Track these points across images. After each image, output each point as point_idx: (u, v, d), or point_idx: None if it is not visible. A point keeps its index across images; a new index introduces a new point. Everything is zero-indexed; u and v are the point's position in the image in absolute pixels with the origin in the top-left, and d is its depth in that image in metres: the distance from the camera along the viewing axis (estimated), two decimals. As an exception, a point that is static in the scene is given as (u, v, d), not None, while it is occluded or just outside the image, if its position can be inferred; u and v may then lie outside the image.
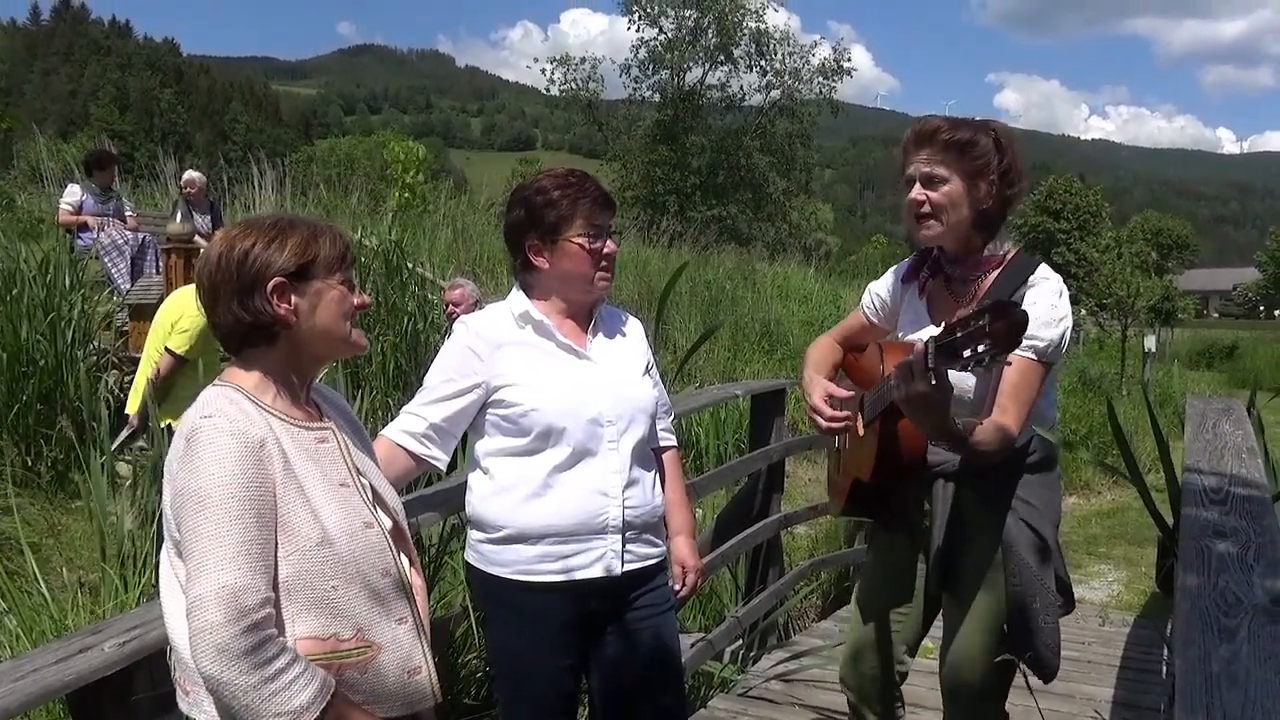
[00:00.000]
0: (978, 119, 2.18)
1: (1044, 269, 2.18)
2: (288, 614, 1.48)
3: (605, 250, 2.17)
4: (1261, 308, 59.85)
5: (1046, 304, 2.11)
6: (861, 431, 2.23)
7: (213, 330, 1.62)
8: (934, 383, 1.82)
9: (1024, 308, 1.69)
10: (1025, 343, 2.06)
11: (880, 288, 2.46)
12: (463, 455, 2.42)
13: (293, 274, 1.56)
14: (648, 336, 2.41)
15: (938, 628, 2.51)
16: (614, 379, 2.18)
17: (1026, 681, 2.29)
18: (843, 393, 2.24)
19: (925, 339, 1.82)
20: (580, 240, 2.14)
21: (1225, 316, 62.38)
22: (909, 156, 2.17)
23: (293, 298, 1.56)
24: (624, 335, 2.31)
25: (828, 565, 5.51)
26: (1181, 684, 1.50)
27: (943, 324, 1.93)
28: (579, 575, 2.10)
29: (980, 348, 1.69)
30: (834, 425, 2.25)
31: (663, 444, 2.37)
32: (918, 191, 2.15)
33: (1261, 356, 26.89)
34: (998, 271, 2.19)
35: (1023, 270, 2.16)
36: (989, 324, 1.68)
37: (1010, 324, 1.66)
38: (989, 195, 2.13)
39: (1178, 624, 1.79)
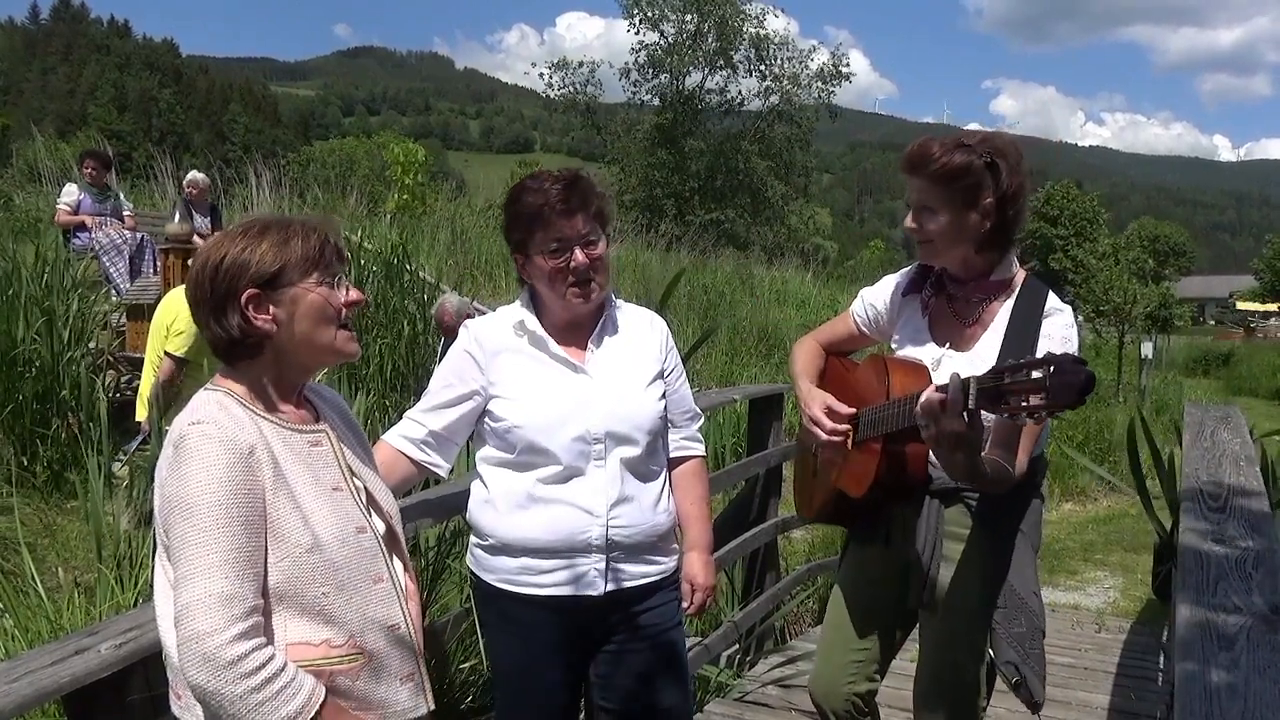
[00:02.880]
0: (977, 136, 2.08)
1: (1054, 299, 2.14)
2: (278, 620, 1.47)
3: (572, 264, 2.02)
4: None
5: (1061, 339, 2.07)
6: (851, 446, 2.19)
7: (207, 343, 1.59)
8: (970, 423, 1.75)
9: (1092, 372, 1.58)
10: None
11: (875, 298, 2.39)
12: (466, 459, 2.39)
13: (265, 283, 1.51)
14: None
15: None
16: (607, 394, 2.07)
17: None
18: (844, 409, 2.19)
19: (963, 377, 1.72)
20: (540, 258, 2.03)
21: (1221, 324, 62.38)
22: (908, 179, 2.11)
23: (270, 308, 1.52)
24: (636, 341, 2.17)
25: (824, 570, 5.50)
26: (1180, 693, 1.49)
27: (969, 360, 1.87)
28: (558, 592, 2.05)
29: (1035, 400, 1.59)
30: (834, 439, 2.19)
31: (683, 454, 2.26)
32: (910, 220, 2.12)
33: (1258, 364, 26.93)
34: (1010, 299, 2.14)
35: (1037, 300, 2.12)
36: (1051, 378, 1.56)
37: (1081, 385, 1.55)
38: (984, 221, 2.06)
39: (1176, 632, 1.78)
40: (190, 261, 1.60)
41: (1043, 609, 2.22)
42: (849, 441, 2.19)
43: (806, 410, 2.26)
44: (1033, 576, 2.19)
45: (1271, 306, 54.93)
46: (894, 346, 2.34)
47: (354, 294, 1.61)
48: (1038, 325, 2.09)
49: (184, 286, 1.57)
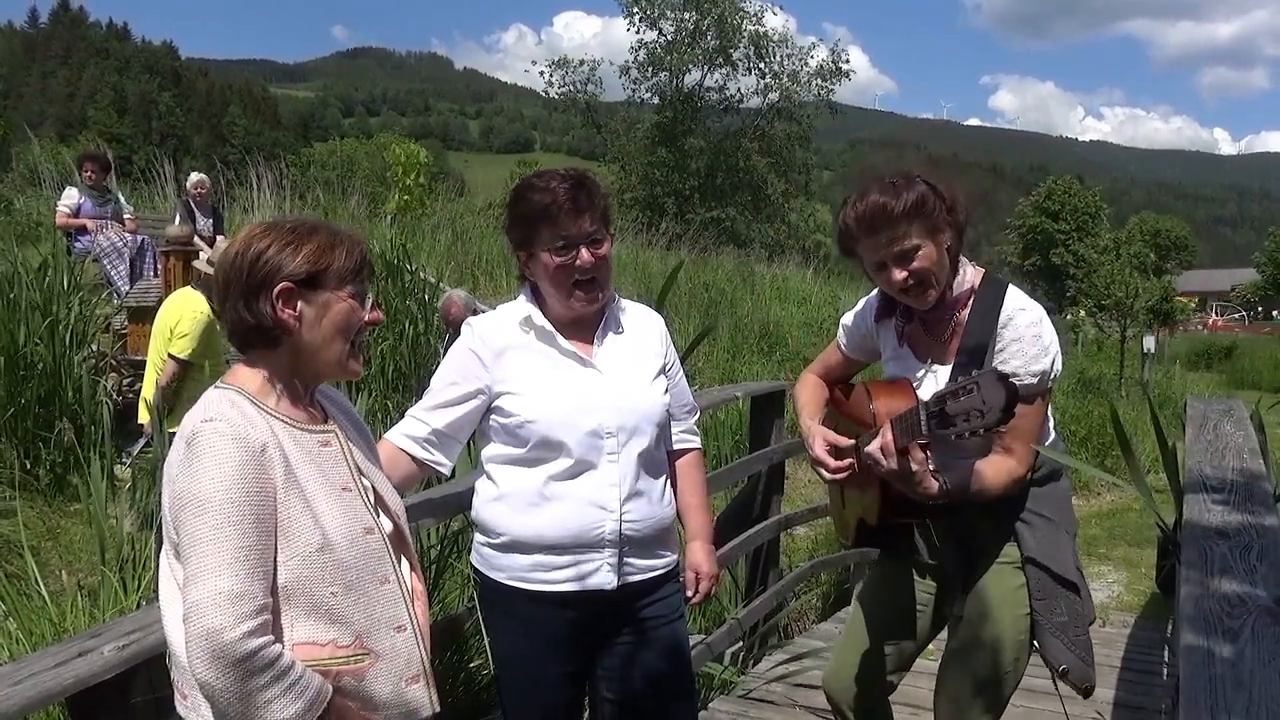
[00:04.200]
0: (901, 176, 2.08)
1: (1014, 296, 2.13)
2: (286, 619, 1.47)
3: (578, 263, 2.03)
4: (1259, 308, 59.81)
5: (1031, 337, 2.08)
6: (860, 472, 2.20)
7: (220, 324, 1.62)
8: (904, 459, 1.89)
9: (1011, 379, 1.73)
10: (1020, 386, 2.05)
11: (855, 324, 2.43)
12: (468, 457, 2.40)
13: (302, 280, 1.54)
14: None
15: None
16: (618, 388, 2.09)
17: (1056, 684, 2.27)
18: (844, 441, 2.21)
19: (916, 406, 1.89)
20: (546, 256, 2.04)
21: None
22: (868, 243, 2.07)
23: (299, 304, 1.55)
24: (638, 336, 2.20)
25: (827, 567, 5.51)
26: (1185, 686, 1.49)
27: (926, 382, 2.02)
28: (572, 587, 2.06)
29: (976, 421, 1.71)
30: (838, 477, 2.21)
31: (682, 446, 2.30)
32: (899, 274, 2.07)
33: (1260, 357, 26.87)
34: (969, 305, 2.15)
35: (993, 303, 2.12)
36: (982, 397, 1.69)
37: (1006, 399, 1.69)
38: (950, 238, 2.10)
39: (1181, 625, 1.78)
40: (222, 248, 1.63)
41: (1088, 592, 2.22)
42: (856, 469, 2.20)
43: (810, 450, 2.28)
44: (1070, 561, 2.19)
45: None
46: (885, 368, 2.37)
47: (376, 314, 1.64)
48: (990, 329, 2.10)
49: (215, 271, 1.61)
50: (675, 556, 2.22)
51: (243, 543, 1.41)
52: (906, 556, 2.36)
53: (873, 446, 1.94)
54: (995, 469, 2.09)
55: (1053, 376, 2.11)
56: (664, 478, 2.20)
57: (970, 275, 2.18)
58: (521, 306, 2.15)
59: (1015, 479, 2.10)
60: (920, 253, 2.05)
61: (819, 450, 2.22)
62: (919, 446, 1.95)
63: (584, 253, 2.03)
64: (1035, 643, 2.20)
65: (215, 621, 1.36)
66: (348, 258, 1.59)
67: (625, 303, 2.25)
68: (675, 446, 2.29)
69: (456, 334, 5.61)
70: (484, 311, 6.47)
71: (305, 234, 1.57)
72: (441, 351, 6.50)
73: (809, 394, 2.49)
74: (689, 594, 2.26)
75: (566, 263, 2.03)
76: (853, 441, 2.19)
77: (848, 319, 2.46)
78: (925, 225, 2.05)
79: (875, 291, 2.34)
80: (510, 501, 2.08)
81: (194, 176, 9.41)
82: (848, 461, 2.18)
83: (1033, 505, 2.20)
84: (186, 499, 1.42)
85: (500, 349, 2.10)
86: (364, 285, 1.62)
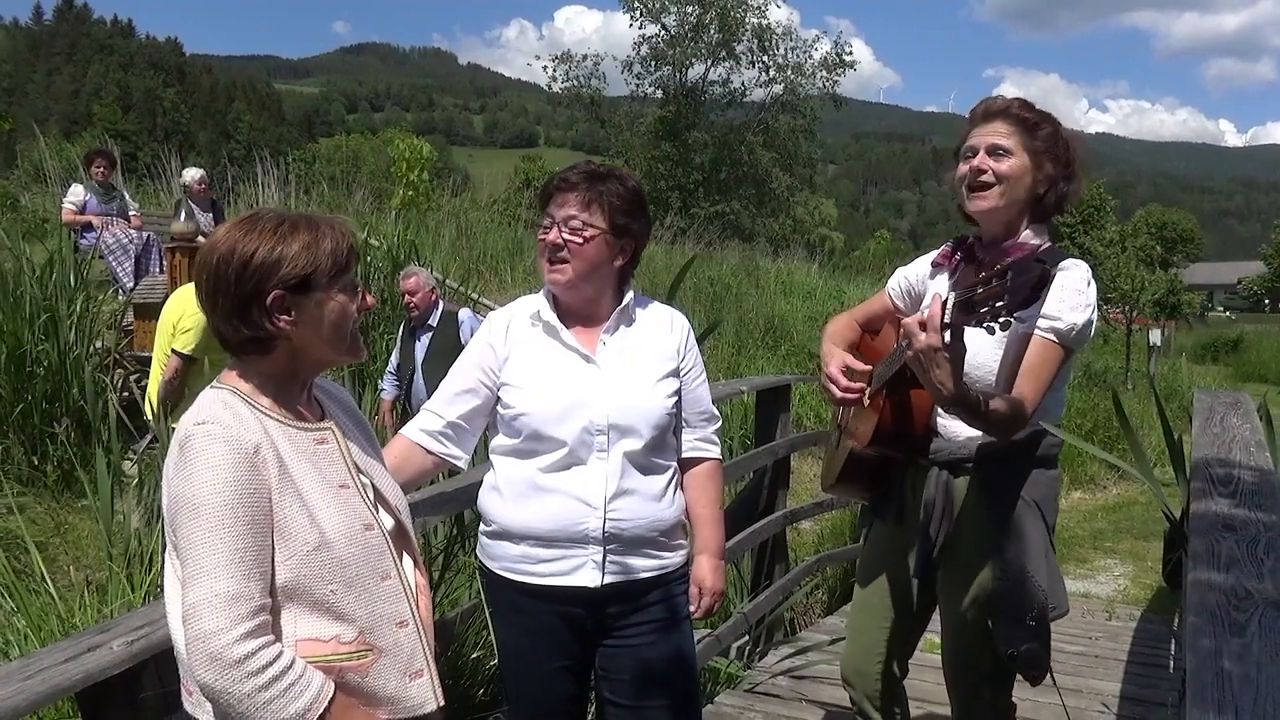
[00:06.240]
0: (1043, 111, 2.16)
1: (1074, 259, 2.16)
2: (288, 616, 1.48)
3: (548, 239, 2.09)
4: (1266, 301, 59.57)
5: (1073, 288, 2.07)
6: (867, 403, 2.23)
7: (212, 332, 1.58)
8: (948, 338, 1.80)
9: (1049, 269, 1.67)
10: (1047, 323, 2.05)
11: (910, 271, 2.43)
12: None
13: (293, 286, 1.51)
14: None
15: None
16: (615, 385, 2.08)
17: (1052, 677, 2.26)
18: (860, 365, 2.23)
19: (946, 296, 1.81)
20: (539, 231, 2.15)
21: (1230, 310, 62.02)
22: (973, 129, 2.15)
23: (293, 311, 1.52)
24: (651, 336, 2.18)
25: (833, 561, 5.51)
26: (1193, 679, 1.49)
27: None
28: (555, 582, 2.06)
29: (998, 304, 1.66)
30: (848, 396, 2.22)
31: (695, 454, 2.25)
32: (980, 159, 2.12)
33: (1267, 350, 26.78)
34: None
35: (1051, 257, 2.09)
36: (1010, 280, 1.64)
37: (1031, 280, 1.63)
38: (1048, 180, 2.11)
39: (1188, 619, 1.78)
40: (201, 250, 1.56)
41: (1059, 585, 2.20)
42: (864, 400, 2.23)
43: (824, 368, 2.30)
44: (1040, 551, 2.16)
45: None
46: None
47: (369, 300, 1.62)
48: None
49: (195, 275, 1.55)
50: (679, 558, 2.19)
51: (237, 545, 1.41)
52: (893, 520, 2.36)
53: (911, 319, 1.85)
54: (1005, 399, 2.05)
55: (1079, 334, 2.10)
56: (664, 479, 2.15)
57: (1041, 241, 2.19)
58: (535, 300, 2.18)
59: (1019, 415, 2.05)
60: (1009, 159, 2.10)
61: (833, 368, 2.25)
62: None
63: (553, 230, 2.08)
64: (989, 623, 2.18)
65: (211, 624, 1.37)
66: (335, 251, 1.54)
67: (650, 303, 2.24)
68: (689, 454, 2.24)
69: (413, 309, 5.61)
70: (435, 284, 6.37)
71: (289, 234, 1.51)
72: (400, 330, 6.46)
73: (838, 327, 2.49)
74: (691, 608, 2.23)
75: (541, 237, 2.11)
76: (869, 367, 2.23)
77: (905, 267, 2.47)
78: (1031, 143, 2.10)
79: (944, 245, 2.38)
80: (503, 491, 2.11)
81: (193, 172, 9.13)
82: (858, 384, 2.21)
83: (1022, 488, 2.18)
84: (181, 503, 1.43)
85: (510, 342, 2.14)
86: (353, 275, 1.59)
